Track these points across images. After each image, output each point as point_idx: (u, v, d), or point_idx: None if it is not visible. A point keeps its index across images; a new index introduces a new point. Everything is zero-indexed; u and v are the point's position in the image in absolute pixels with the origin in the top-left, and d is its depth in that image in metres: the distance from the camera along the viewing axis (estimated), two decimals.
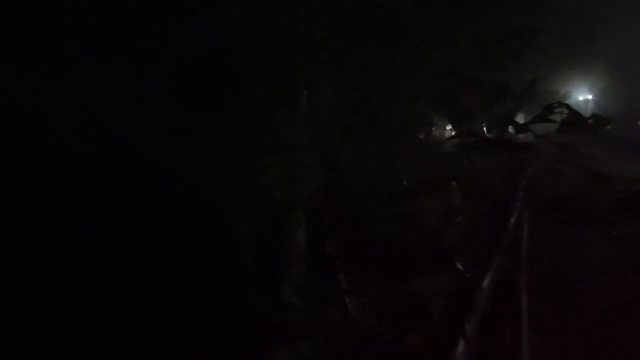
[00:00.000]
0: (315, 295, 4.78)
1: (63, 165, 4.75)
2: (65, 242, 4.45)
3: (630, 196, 8.68)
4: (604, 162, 21.32)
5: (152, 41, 5.10)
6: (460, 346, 3.82)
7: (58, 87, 4.72)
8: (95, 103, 4.96)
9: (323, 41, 5.17)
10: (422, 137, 7.98)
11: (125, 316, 4.25)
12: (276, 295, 4.68)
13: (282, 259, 5.04)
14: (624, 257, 6.48)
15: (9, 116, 4.53)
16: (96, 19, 4.92)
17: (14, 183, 4.43)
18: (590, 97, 31.16)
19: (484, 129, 6.58)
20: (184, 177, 4.83)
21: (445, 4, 6.20)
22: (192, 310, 4.41)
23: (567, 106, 4.64)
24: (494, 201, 4.22)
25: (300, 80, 5.21)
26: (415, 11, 6.01)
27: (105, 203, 4.78)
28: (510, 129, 7.41)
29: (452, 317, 4.40)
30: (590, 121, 4.25)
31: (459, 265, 4.37)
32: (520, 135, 5.82)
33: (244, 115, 5.04)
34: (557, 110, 4.61)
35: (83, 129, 4.85)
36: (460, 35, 6.33)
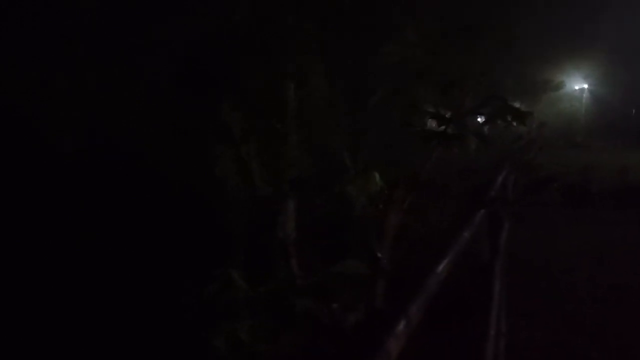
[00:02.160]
0: (262, 278, 5.11)
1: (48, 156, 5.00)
2: (60, 237, 4.73)
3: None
4: (595, 152, 21.55)
5: (135, 33, 5.27)
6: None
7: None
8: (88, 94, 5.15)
9: (316, 33, 5.30)
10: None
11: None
12: (224, 279, 5.01)
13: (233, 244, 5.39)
14: None
15: (7, 115, 4.80)
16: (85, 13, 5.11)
17: (10, 178, 4.71)
18: (585, 86, 31.01)
19: (432, 122, 6.79)
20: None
21: None
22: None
23: (501, 99, 4.89)
24: (416, 188, 4.55)
25: (289, 72, 5.37)
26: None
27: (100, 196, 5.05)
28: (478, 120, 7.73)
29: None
30: (512, 114, 4.51)
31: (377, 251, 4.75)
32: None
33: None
34: (493, 102, 4.86)
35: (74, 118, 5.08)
36: (406, 29, 6.58)
